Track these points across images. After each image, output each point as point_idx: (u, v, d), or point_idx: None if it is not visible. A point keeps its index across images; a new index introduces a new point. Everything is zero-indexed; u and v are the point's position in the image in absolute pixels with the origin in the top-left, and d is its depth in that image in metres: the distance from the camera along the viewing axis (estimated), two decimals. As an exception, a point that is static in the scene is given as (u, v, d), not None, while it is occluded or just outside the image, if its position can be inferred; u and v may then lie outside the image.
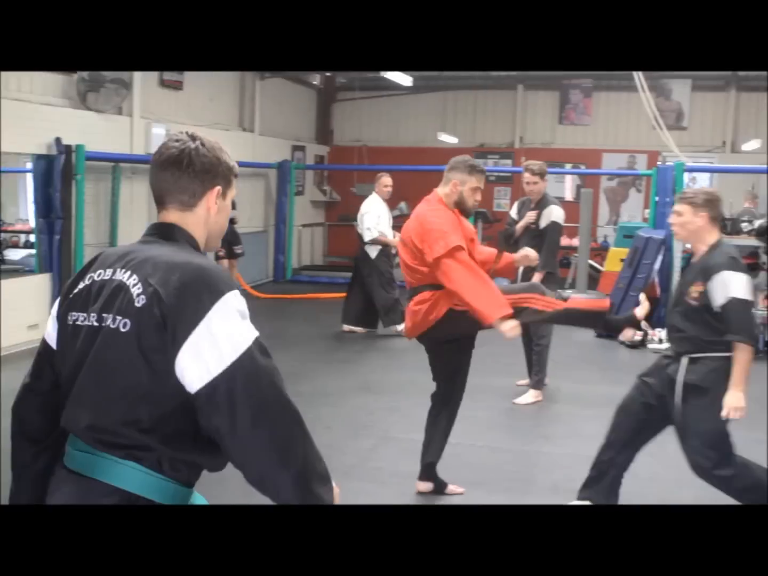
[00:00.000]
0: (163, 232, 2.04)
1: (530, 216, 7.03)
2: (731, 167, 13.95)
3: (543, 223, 6.99)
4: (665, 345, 9.36)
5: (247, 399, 1.85)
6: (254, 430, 1.86)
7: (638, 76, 11.10)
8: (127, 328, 1.86)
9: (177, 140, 2.06)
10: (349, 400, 6.81)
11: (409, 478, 4.88)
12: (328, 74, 16.61)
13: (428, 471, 4.87)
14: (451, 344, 4.71)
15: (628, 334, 4.98)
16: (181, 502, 1.96)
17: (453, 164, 4.91)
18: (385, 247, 9.47)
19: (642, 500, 4.78)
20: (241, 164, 12.95)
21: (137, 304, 1.86)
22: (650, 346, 9.43)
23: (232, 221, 11.63)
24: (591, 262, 12.65)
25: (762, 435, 6.20)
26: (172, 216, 2.05)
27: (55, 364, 2.06)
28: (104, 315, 1.91)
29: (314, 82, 16.77)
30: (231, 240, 11.85)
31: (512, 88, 16.34)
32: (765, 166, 13.36)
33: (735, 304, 4.04)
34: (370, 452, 5.61)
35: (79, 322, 1.96)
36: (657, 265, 10.19)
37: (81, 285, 2.02)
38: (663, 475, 5.35)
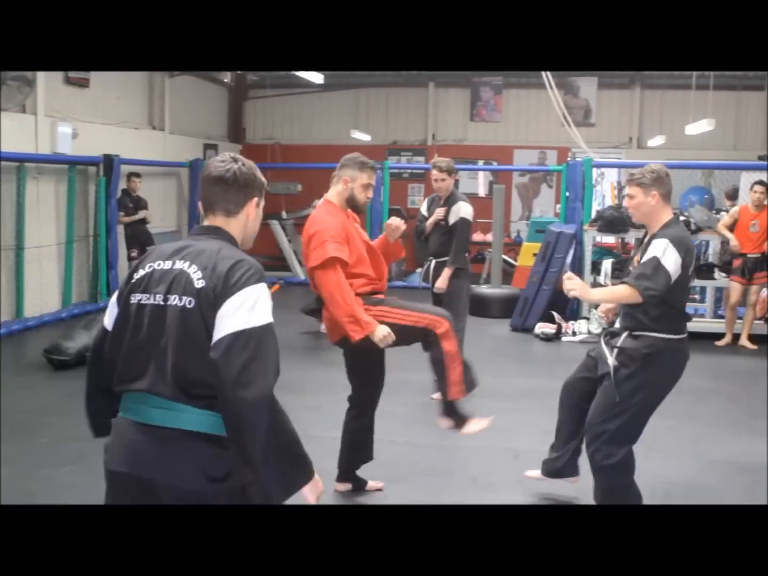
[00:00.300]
0: (212, 233, 2.60)
1: (438, 213, 7.08)
2: (638, 162, 14.26)
3: (452, 220, 7.03)
4: (579, 337, 9.56)
5: (250, 357, 2.31)
6: (242, 376, 2.28)
7: (546, 74, 11.28)
8: (192, 304, 2.39)
9: (222, 161, 2.62)
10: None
11: (330, 476, 4.86)
12: (239, 72, 16.44)
13: (344, 474, 4.87)
14: (363, 351, 4.65)
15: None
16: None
17: (343, 162, 4.86)
18: None
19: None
20: (151, 163, 12.72)
21: (197, 286, 2.40)
22: (564, 339, 9.60)
23: (143, 221, 11.43)
24: (505, 257, 12.83)
25: (672, 422, 6.38)
26: (219, 221, 2.62)
27: (111, 343, 2.56)
28: (169, 296, 2.43)
29: (225, 80, 16.59)
30: (144, 240, 11.64)
31: (424, 86, 16.44)
32: (670, 161, 13.78)
33: (648, 261, 3.99)
34: (289, 452, 5.56)
35: (143, 302, 2.47)
36: (569, 259, 10.38)
37: (141, 272, 2.53)
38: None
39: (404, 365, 6.32)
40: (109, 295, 11.22)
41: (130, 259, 11.60)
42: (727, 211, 10.33)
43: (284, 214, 14.76)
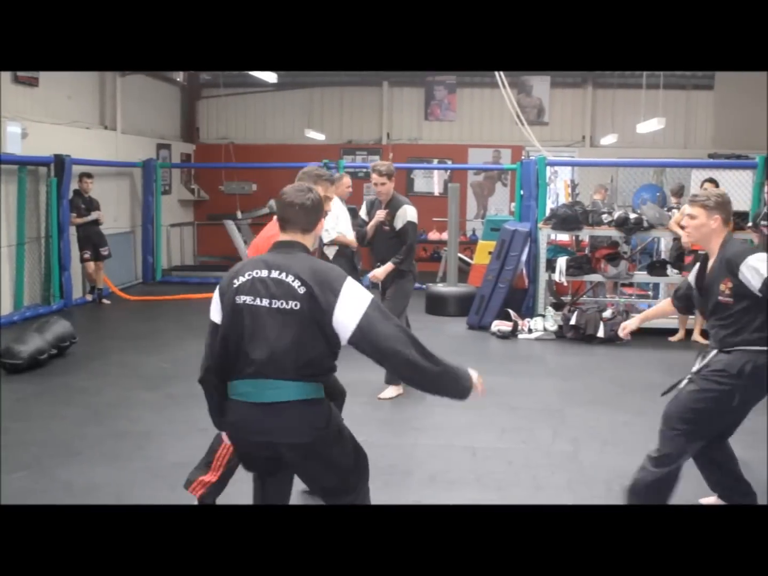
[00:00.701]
0: (293, 246, 3.28)
1: (380, 215, 7.06)
2: (591, 161, 14.44)
3: (399, 224, 7.01)
4: (535, 334, 9.63)
5: (378, 323, 3.12)
6: (386, 330, 3.12)
7: (499, 74, 11.34)
8: (298, 307, 3.10)
9: (301, 190, 3.38)
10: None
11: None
12: (191, 71, 16.30)
13: None
14: None
15: None
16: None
17: (299, 176, 4.86)
18: (344, 248, 9.23)
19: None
20: (104, 163, 12.55)
21: (300, 292, 3.11)
22: (520, 336, 9.66)
23: (96, 222, 11.29)
24: (461, 255, 12.88)
25: (627, 417, 6.45)
26: (297, 236, 3.32)
27: (224, 333, 3.26)
28: (274, 300, 3.13)
29: (178, 79, 16.44)
30: (97, 242, 11.50)
31: (378, 85, 16.45)
32: (622, 159, 13.94)
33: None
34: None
35: (248, 302, 3.16)
36: (524, 257, 10.45)
37: (242, 279, 3.21)
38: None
39: (361, 365, 6.31)
40: (63, 297, 11.08)
41: (83, 260, 11.46)
42: (677, 208, 10.47)
43: (239, 214, 14.69)
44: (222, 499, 4.55)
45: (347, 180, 9.33)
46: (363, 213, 7.43)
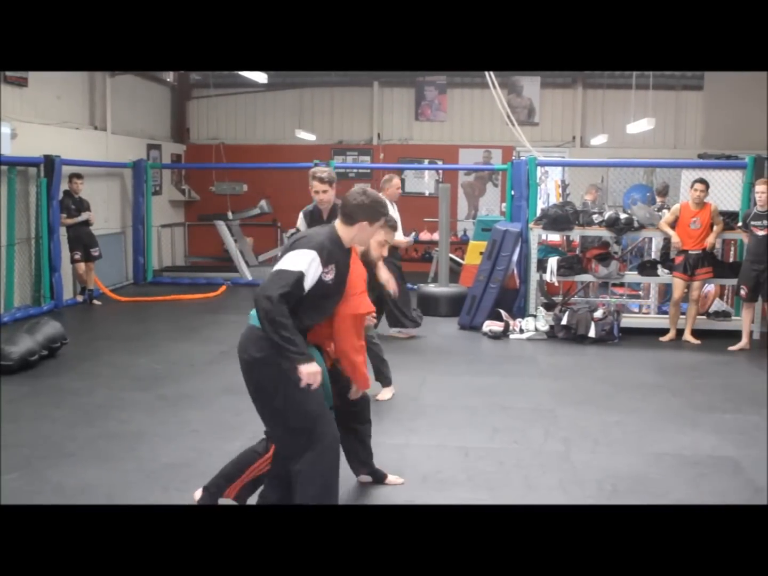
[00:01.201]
0: (328, 226, 4.07)
1: None
2: (581, 161, 14.46)
3: None
4: (526, 335, 9.64)
5: (270, 278, 3.78)
6: (265, 284, 3.76)
7: (489, 74, 11.35)
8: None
9: (358, 192, 4.05)
10: (215, 402, 6.70)
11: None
12: (181, 71, 16.27)
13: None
14: None
15: None
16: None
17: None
18: (393, 249, 8.72)
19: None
20: (94, 164, 12.49)
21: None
22: (512, 336, 9.67)
23: (87, 223, 11.25)
24: (452, 255, 12.89)
25: (618, 417, 6.47)
26: (337, 222, 4.03)
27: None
28: None
29: (168, 79, 16.40)
30: (87, 243, 11.47)
31: (368, 85, 16.44)
32: (612, 159, 13.98)
33: None
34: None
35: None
36: (515, 257, 10.46)
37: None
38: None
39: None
40: (53, 298, 11.05)
41: (73, 261, 11.43)
42: (668, 208, 10.51)
43: (230, 215, 14.66)
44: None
45: (397, 181, 9.15)
46: (301, 224, 6.78)
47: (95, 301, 11.80)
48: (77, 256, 11.39)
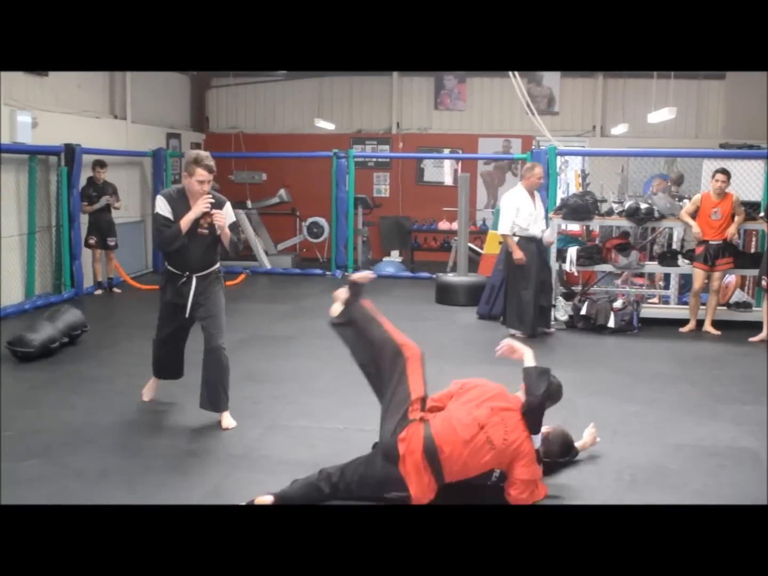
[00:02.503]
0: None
1: (205, 202, 5.75)
2: (601, 151, 14.37)
3: (229, 222, 5.92)
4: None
5: None
6: None
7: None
8: None
9: None
10: (234, 390, 6.71)
11: (298, 465, 4.86)
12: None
13: None
14: None
15: None
16: None
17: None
18: (528, 243, 8.76)
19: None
20: (113, 153, 12.53)
21: None
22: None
23: (108, 209, 11.31)
24: (471, 245, 12.86)
25: (637, 407, 6.45)
26: None
27: None
28: None
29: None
30: (105, 230, 11.51)
31: (388, 74, 16.40)
32: (633, 149, 13.89)
33: None
34: (257, 441, 5.55)
35: None
36: (534, 247, 10.41)
37: None
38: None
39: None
40: (74, 286, 11.11)
41: (86, 244, 11.44)
42: (689, 198, 10.44)
43: (249, 203, 14.68)
44: (220, 499, 4.57)
45: (539, 170, 8.97)
46: (164, 210, 5.82)
47: (115, 289, 11.85)
48: (92, 241, 11.42)
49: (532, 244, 8.85)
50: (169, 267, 6.09)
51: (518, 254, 8.69)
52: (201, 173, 5.69)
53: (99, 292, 11.71)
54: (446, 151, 16.24)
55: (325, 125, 15.47)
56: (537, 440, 4.62)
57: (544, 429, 4.63)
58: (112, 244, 11.65)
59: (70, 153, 11.06)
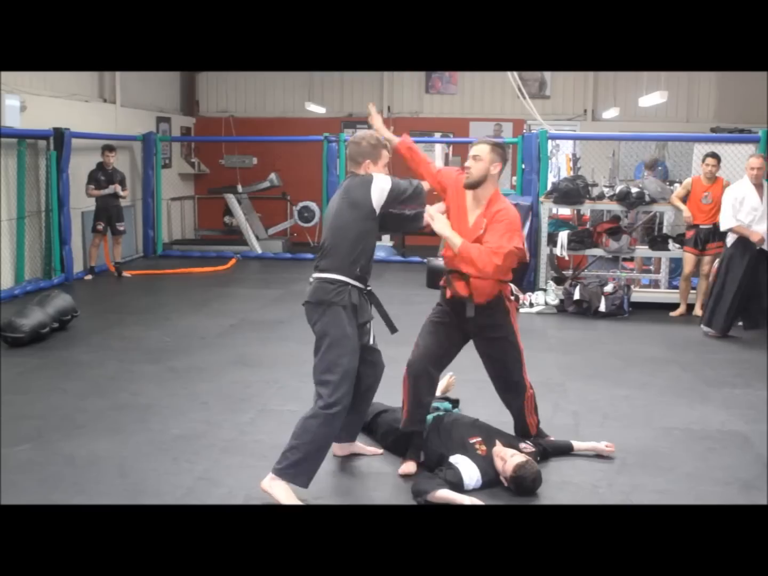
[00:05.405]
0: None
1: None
2: (592, 135, 14.36)
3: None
4: (536, 309, 9.63)
5: None
6: None
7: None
8: None
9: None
10: (225, 375, 6.72)
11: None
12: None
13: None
14: None
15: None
16: None
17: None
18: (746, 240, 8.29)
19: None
20: (103, 137, 12.44)
21: None
22: (522, 310, 9.64)
23: (116, 196, 11.31)
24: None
25: (627, 391, 6.47)
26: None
27: None
28: None
29: (177, 52, 16.33)
30: (114, 216, 11.53)
31: (379, 58, 16.32)
32: (624, 133, 13.89)
33: None
34: (248, 426, 5.56)
35: None
36: (525, 231, 10.41)
37: None
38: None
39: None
40: (63, 271, 11.07)
41: (94, 230, 11.44)
42: (680, 182, 10.45)
43: (240, 188, 14.64)
44: (210, 483, 4.57)
45: (753, 161, 8.40)
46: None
47: (125, 273, 11.87)
48: (100, 227, 11.41)
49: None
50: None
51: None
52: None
53: (89, 277, 11.66)
54: (437, 135, 16.20)
55: (316, 109, 15.41)
56: None
57: (521, 457, 4.61)
58: (122, 229, 11.68)
59: (59, 137, 10.98)
